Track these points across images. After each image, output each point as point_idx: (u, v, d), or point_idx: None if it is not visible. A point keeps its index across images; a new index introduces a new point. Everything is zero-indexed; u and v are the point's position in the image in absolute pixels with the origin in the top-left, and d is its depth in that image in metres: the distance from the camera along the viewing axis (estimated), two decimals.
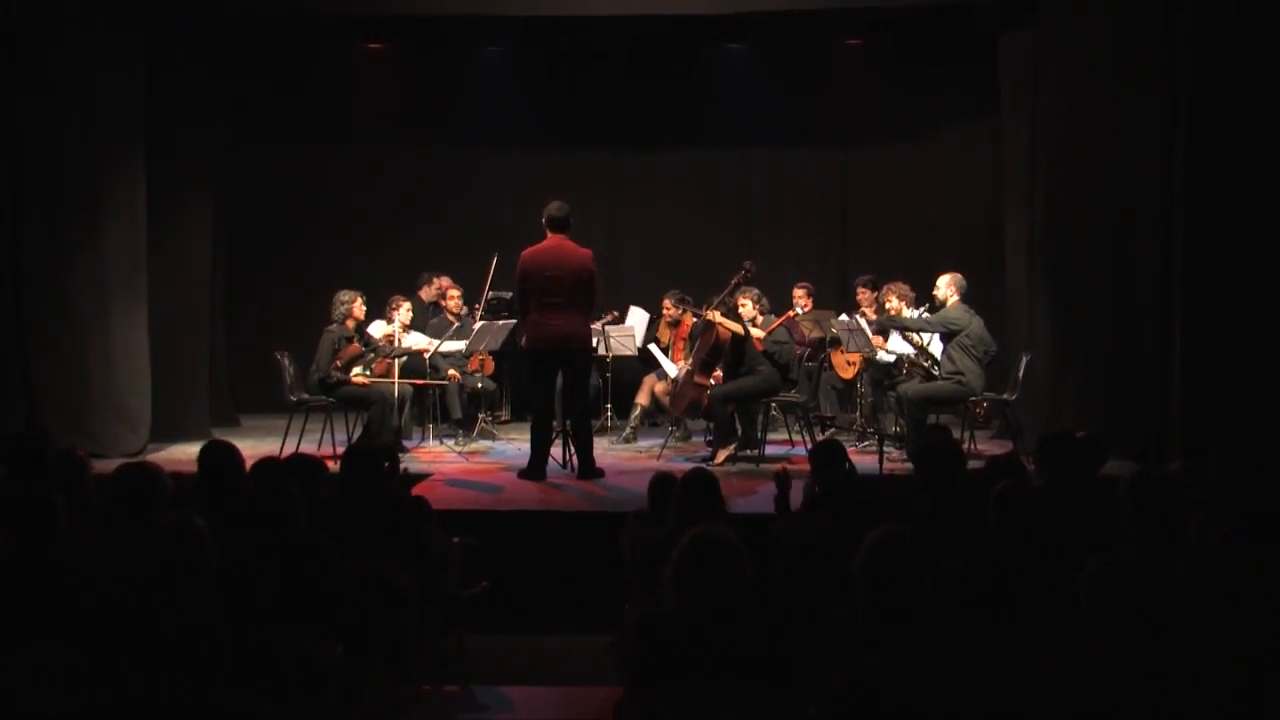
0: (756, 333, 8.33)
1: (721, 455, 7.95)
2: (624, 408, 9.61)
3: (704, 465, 7.42)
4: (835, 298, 10.45)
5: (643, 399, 9.34)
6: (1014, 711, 2.94)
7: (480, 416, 9.29)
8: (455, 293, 9.70)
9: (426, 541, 4.87)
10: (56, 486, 4.23)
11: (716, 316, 7.99)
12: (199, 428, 8.92)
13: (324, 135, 11.06)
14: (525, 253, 7.36)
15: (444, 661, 5.09)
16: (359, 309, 8.46)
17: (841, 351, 9.27)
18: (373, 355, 8.45)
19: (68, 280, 8.06)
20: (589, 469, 7.40)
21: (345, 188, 11.17)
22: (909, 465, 7.11)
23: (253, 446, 8.02)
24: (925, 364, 8.35)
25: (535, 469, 7.36)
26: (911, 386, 8.11)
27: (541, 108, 11.20)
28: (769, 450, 8.25)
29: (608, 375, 9.72)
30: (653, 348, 9.43)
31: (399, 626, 4.47)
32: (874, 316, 8.97)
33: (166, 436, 8.66)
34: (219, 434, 8.28)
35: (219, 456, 4.94)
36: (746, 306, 8.49)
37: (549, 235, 7.34)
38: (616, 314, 9.80)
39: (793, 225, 11.36)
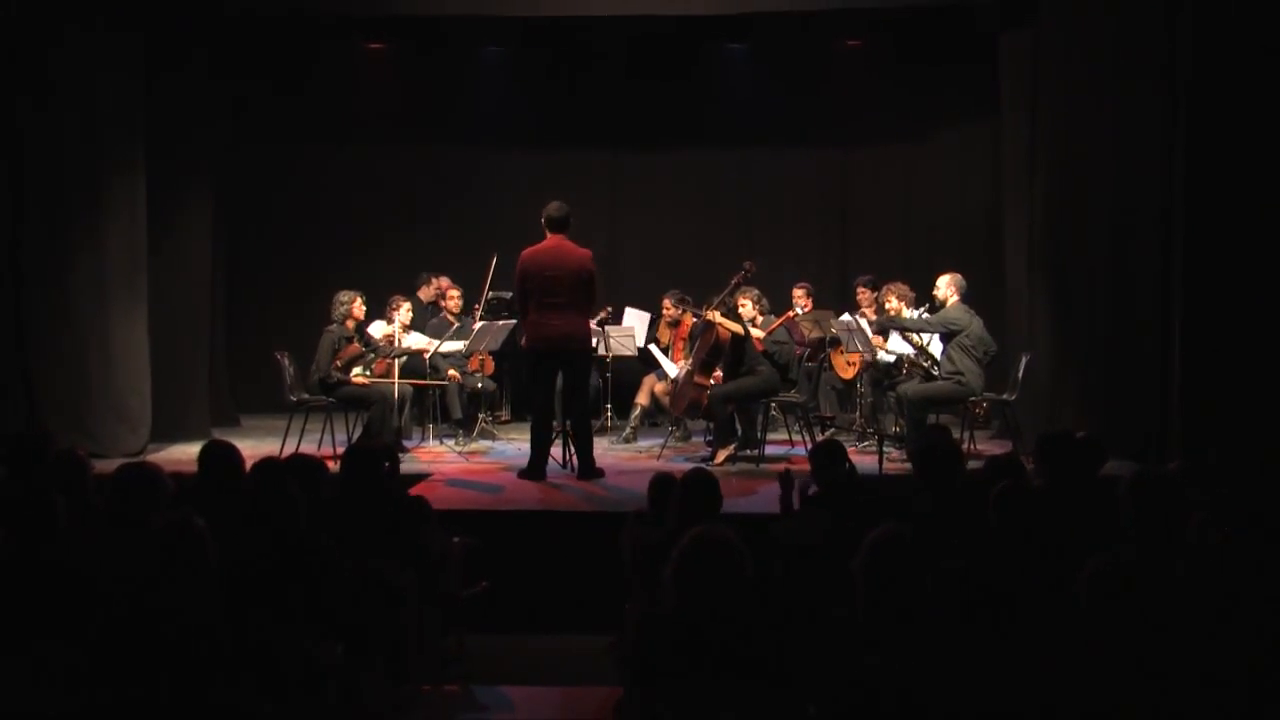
0: (756, 333, 8.33)
1: (721, 455, 7.95)
2: (624, 408, 9.61)
3: (704, 465, 7.42)
4: (835, 298, 10.45)
5: (643, 399, 9.35)
6: (1014, 711, 2.94)
7: (480, 416, 9.29)
8: (455, 293, 9.71)
9: (426, 541, 4.87)
10: (56, 486, 4.23)
11: (716, 316, 7.99)
12: (199, 428, 8.92)
13: (324, 135, 11.06)
14: (525, 253, 7.36)
15: (444, 661, 5.09)
16: (359, 309, 8.46)
17: (841, 351, 9.28)
18: (373, 355, 8.45)
19: (68, 280, 8.06)
20: (589, 469, 7.40)
21: (345, 188, 11.17)
22: (909, 465, 7.10)
23: (253, 446, 8.02)
24: (925, 364, 8.34)
25: (535, 469, 7.36)
26: (911, 386, 8.11)
27: (541, 108, 11.20)
28: (769, 450, 8.25)
29: (608, 375, 9.72)
30: (653, 348, 9.43)
31: (399, 626, 4.47)
32: (874, 317, 8.97)
33: (166, 436, 8.66)
34: (219, 434, 8.28)
35: (219, 456, 4.95)
36: (746, 307, 8.49)
37: (548, 235, 7.34)
38: (610, 310, 9.78)
39: (793, 225, 11.36)
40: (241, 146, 10.35)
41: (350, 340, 8.37)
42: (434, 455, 8.53)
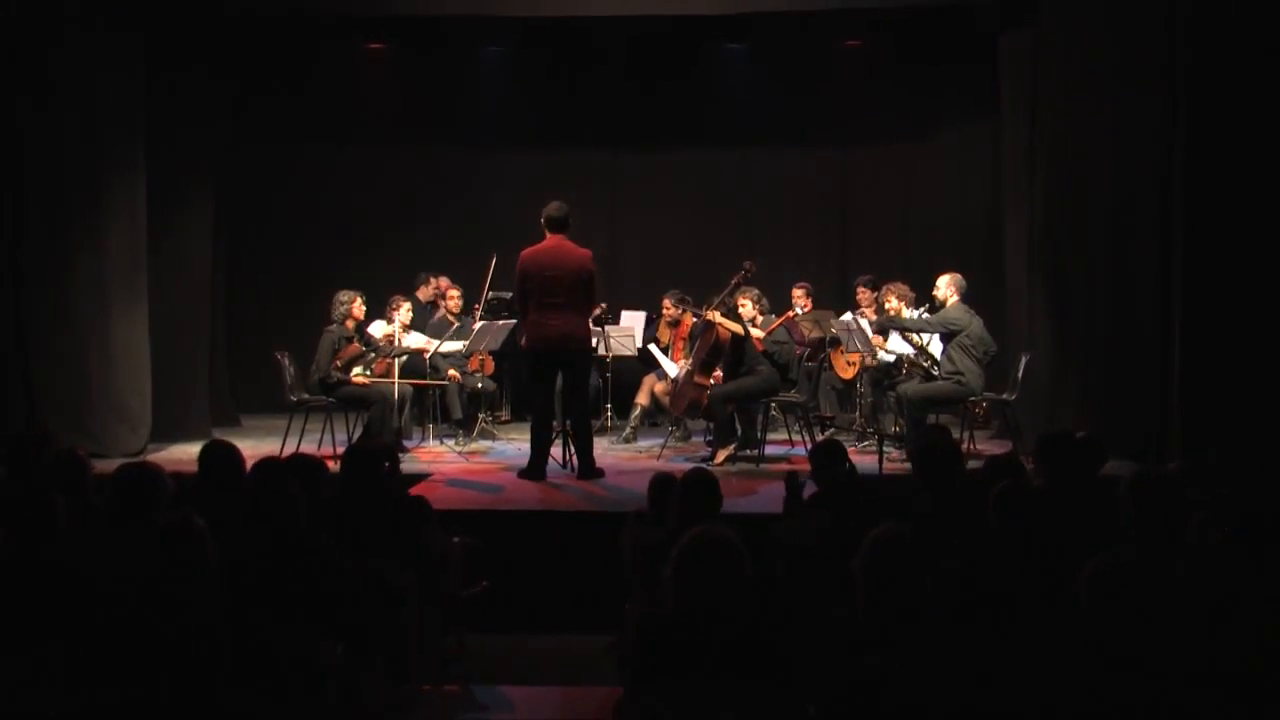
0: (756, 333, 8.33)
1: (721, 455, 7.95)
2: (624, 408, 9.61)
3: (704, 465, 7.42)
4: (835, 298, 10.45)
5: (643, 399, 9.35)
6: (1014, 711, 2.94)
7: (480, 416, 9.29)
8: (455, 293, 9.71)
9: (426, 541, 4.87)
10: (56, 486, 4.23)
11: (716, 316, 7.99)
12: (199, 428, 8.92)
13: (324, 135, 11.07)
14: (524, 253, 7.36)
15: (444, 661, 5.09)
16: (359, 309, 8.46)
17: (841, 351, 9.28)
18: (373, 355, 8.45)
19: (68, 280, 8.06)
20: (589, 469, 7.40)
21: (345, 188, 11.17)
22: (909, 465, 7.10)
23: (253, 446, 8.02)
24: (925, 364, 8.35)
25: (535, 469, 7.36)
26: (911, 386, 8.11)
27: (541, 108, 11.21)
28: (769, 450, 8.25)
29: (608, 375, 9.72)
30: (653, 348, 9.43)
31: (399, 626, 4.47)
32: (874, 317, 8.98)
33: (167, 436, 8.66)
34: (219, 434, 8.29)
35: (219, 456, 4.95)
36: (746, 306, 8.49)
37: (548, 235, 7.34)
38: (604, 307, 9.74)
39: (793, 225, 11.36)
40: (241, 146, 10.34)
41: (350, 340, 8.37)
42: (434, 455, 8.53)
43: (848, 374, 9.31)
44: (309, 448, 7.91)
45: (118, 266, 8.29)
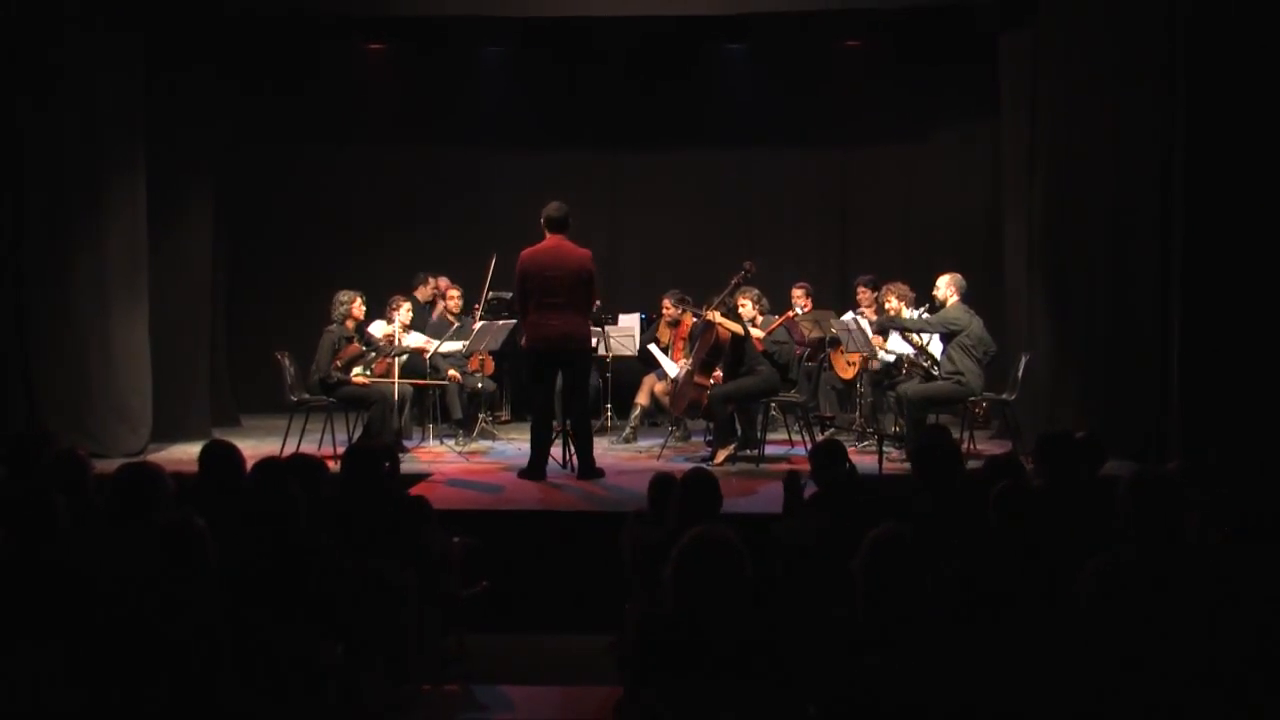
0: (756, 333, 8.33)
1: (721, 455, 7.95)
2: (624, 408, 9.61)
3: (704, 465, 7.41)
4: (835, 298, 10.46)
5: (643, 399, 9.35)
6: (1014, 711, 2.94)
7: (480, 416, 9.29)
8: (455, 292, 9.71)
9: (426, 541, 4.87)
10: (56, 486, 4.22)
11: (716, 316, 7.99)
12: (199, 428, 8.92)
13: (324, 135, 11.07)
14: (524, 253, 7.36)
15: (444, 661, 5.09)
16: (359, 309, 8.46)
17: (841, 351, 9.28)
18: (373, 355, 8.45)
19: (68, 280, 8.07)
20: (589, 469, 7.40)
21: (345, 188, 11.18)
22: (909, 465, 7.10)
23: (253, 446, 8.02)
24: (925, 364, 8.35)
25: (535, 469, 7.36)
26: (911, 386, 8.11)
27: (541, 108, 11.21)
28: (769, 450, 8.25)
29: (608, 375, 9.72)
30: (653, 348, 9.43)
31: (399, 626, 4.47)
32: (874, 317, 8.98)
33: (167, 436, 8.66)
34: (219, 434, 8.29)
35: (219, 456, 4.94)
36: (746, 306, 8.49)
37: (548, 235, 7.34)
38: (600, 305, 9.70)
39: (793, 225, 11.37)
40: (241, 146, 10.35)
41: (350, 340, 8.38)
42: (434, 455, 8.53)
43: (848, 374, 9.31)
44: (309, 448, 7.92)
45: (118, 266, 8.29)
